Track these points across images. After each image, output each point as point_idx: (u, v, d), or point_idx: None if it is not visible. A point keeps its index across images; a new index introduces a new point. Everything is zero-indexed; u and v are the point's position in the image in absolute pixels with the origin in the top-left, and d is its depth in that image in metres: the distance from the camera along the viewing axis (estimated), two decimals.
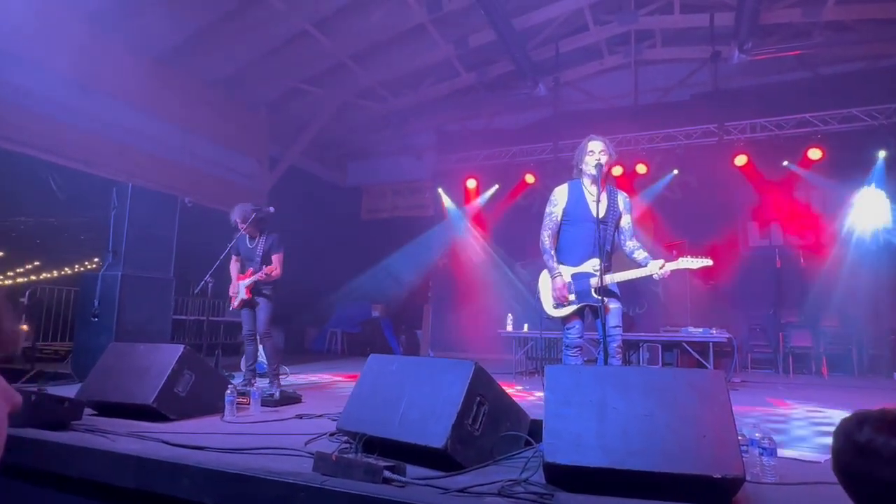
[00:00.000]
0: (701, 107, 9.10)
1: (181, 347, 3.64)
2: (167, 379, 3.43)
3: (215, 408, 3.60)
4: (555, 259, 3.37)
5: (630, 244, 3.39)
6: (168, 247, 6.07)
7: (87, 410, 3.43)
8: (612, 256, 3.35)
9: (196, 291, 4.95)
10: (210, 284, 4.84)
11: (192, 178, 8.92)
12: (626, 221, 3.41)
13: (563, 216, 3.41)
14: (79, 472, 2.51)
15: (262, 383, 4.83)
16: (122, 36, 7.66)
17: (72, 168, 7.44)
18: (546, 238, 3.40)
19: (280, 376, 4.90)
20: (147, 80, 8.06)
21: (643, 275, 3.27)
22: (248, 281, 4.71)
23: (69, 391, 3.59)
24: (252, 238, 4.86)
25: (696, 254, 3.27)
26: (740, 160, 8.50)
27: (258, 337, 4.76)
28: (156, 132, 8.47)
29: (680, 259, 3.21)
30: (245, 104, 9.81)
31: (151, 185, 7.04)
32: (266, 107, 10.16)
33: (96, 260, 9.82)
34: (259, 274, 4.64)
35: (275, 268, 4.67)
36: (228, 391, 3.58)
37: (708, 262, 3.17)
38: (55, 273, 13.46)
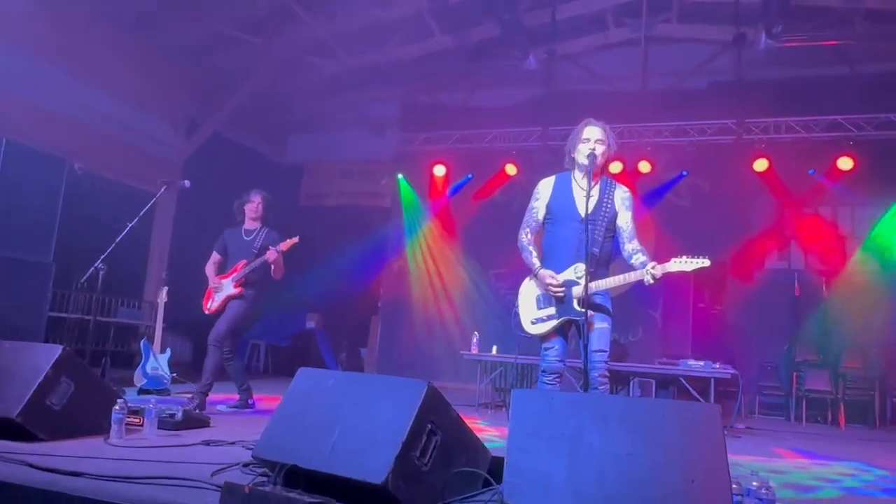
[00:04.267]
0: (719, 98, 9.44)
1: (59, 349, 3.58)
2: (38, 387, 3.36)
3: (99, 427, 3.55)
4: (534, 255, 3.51)
5: (629, 247, 3.47)
6: (49, 223, 5.95)
7: None
8: (600, 262, 3.42)
9: (82, 282, 4.87)
10: (101, 273, 4.76)
11: (84, 139, 8.69)
12: (624, 220, 3.49)
13: (546, 213, 3.54)
14: None
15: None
16: None
17: None
18: (524, 236, 3.57)
19: (188, 395, 4.96)
20: (33, 11, 7.82)
21: (633, 279, 3.36)
22: (239, 274, 5.13)
23: None
24: (249, 231, 5.35)
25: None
26: (760, 165, 8.86)
27: (216, 340, 5.11)
28: (40, 77, 8.21)
29: (672, 260, 3.29)
30: (159, 49, 9.60)
31: (31, 142, 6.84)
32: (187, 55, 9.95)
33: None
34: (260, 259, 5.06)
35: (278, 260, 5.11)
36: (117, 408, 3.54)
37: (705, 262, 3.27)
38: None
